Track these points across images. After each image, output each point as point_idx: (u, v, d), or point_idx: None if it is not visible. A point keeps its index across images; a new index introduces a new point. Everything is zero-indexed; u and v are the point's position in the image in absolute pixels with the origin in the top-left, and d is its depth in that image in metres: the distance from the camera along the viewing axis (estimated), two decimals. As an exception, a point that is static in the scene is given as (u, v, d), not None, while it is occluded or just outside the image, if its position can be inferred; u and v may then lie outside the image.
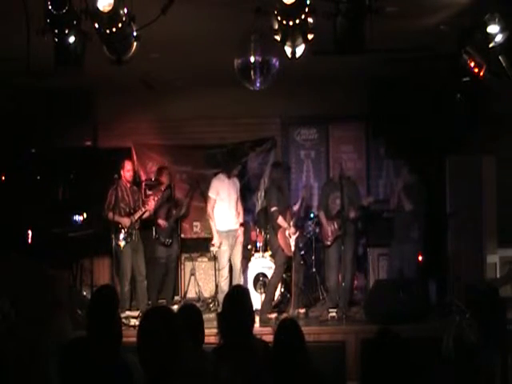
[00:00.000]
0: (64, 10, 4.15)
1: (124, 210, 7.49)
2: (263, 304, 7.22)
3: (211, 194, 7.47)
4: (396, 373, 2.88)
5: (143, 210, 7.55)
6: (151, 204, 7.60)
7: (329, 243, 7.48)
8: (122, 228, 7.40)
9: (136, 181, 8.21)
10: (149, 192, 8.23)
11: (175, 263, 8.22)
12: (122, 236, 7.38)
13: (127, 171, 7.58)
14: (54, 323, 4.40)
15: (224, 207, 7.46)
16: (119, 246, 7.37)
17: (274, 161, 8.52)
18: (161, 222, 7.88)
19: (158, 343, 2.70)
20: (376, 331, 3.08)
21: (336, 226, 7.39)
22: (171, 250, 8.02)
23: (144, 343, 2.75)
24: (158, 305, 7.32)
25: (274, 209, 7.30)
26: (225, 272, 7.39)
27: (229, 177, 7.53)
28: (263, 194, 8.43)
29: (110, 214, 7.29)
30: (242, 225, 7.69)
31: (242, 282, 7.34)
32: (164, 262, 7.93)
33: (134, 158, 8.82)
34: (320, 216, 7.68)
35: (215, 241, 7.42)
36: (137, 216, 7.50)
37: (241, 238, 7.58)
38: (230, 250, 7.45)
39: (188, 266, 8.64)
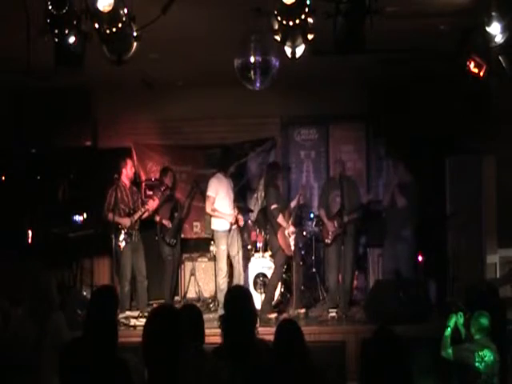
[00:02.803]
0: (64, 10, 4.16)
1: (124, 210, 7.48)
2: (263, 304, 7.21)
3: (211, 192, 7.44)
4: (395, 373, 2.88)
5: (143, 210, 7.54)
6: (151, 204, 7.60)
7: (329, 242, 7.48)
8: (122, 228, 7.39)
9: (136, 181, 8.21)
10: (149, 192, 8.23)
11: (177, 263, 8.22)
12: (121, 236, 7.37)
13: (130, 169, 7.59)
14: (50, 322, 4.41)
15: (223, 206, 7.45)
16: (119, 246, 7.37)
17: (269, 162, 8.50)
18: (165, 222, 7.88)
19: (164, 342, 2.71)
20: (374, 330, 3.07)
21: (336, 224, 7.41)
22: (175, 250, 8.02)
23: (150, 342, 2.74)
24: (171, 303, 7.36)
25: (273, 207, 7.30)
26: (224, 272, 7.39)
27: (225, 176, 7.53)
28: (263, 193, 8.42)
29: (110, 215, 7.30)
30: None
31: (242, 282, 7.33)
32: (171, 260, 7.93)
33: (134, 157, 8.80)
34: (321, 214, 7.70)
35: (232, 218, 7.37)
36: (136, 216, 7.50)
37: (241, 222, 7.52)
38: (229, 248, 7.44)
39: (188, 266, 8.64)
